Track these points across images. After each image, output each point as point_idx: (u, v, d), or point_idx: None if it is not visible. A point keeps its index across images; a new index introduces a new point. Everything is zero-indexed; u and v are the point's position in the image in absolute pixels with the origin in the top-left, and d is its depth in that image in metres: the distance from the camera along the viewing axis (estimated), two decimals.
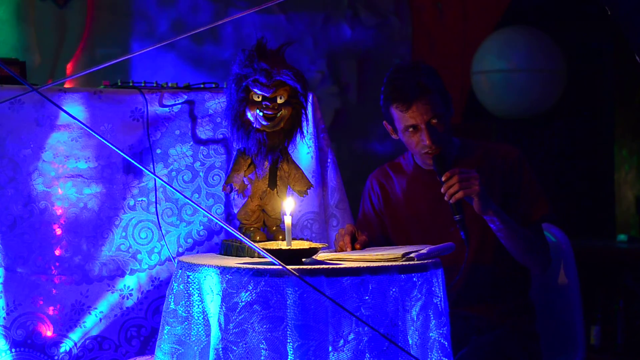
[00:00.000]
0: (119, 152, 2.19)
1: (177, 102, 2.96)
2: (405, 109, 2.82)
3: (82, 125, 2.38)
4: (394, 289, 2.31)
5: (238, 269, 2.28)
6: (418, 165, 2.99)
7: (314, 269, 2.27)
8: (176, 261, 2.50)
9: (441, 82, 2.88)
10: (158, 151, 2.95)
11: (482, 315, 2.89)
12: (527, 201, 2.90)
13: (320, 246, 2.40)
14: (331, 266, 2.30)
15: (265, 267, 2.27)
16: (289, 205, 2.45)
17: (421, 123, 2.82)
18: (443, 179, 2.75)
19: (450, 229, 2.84)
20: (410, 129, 2.85)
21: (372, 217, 3.04)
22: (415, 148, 2.88)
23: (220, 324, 2.28)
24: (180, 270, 2.43)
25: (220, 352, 2.26)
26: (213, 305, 2.31)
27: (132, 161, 2.34)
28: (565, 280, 3.13)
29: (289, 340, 2.22)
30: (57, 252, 2.84)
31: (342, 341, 2.26)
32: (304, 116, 2.60)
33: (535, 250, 2.88)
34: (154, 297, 2.93)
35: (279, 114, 2.53)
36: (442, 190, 2.74)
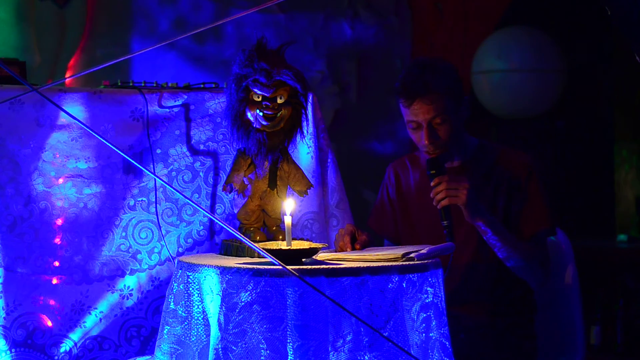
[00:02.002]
0: (119, 152, 2.19)
1: (177, 102, 2.96)
2: (407, 105, 2.84)
3: (82, 125, 2.38)
4: (393, 289, 2.31)
5: (238, 269, 2.28)
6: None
7: (314, 269, 2.27)
8: (176, 261, 2.50)
9: (456, 83, 2.86)
10: (158, 151, 2.95)
11: (477, 315, 2.89)
12: (529, 213, 2.88)
13: (320, 246, 2.41)
14: (331, 266, 2.30)
15: (265, 267, 2.27)
16: (289, 206, 2.45)
17: (422, 121, 2.82)
18: (432, 184, 2.75)
19: (456, 227, 2.84)
20: (413, 125, 2.85)
21: (387, 206, 3.05)
22: (417, 144, 2.89)
23: (220, 324, 2.28)
24: (180, 270, 2.43)
25: (220, 352, 2.26)
26: (213, 305, 2.31)
27: (132, 161, 2.34)
28: (565, 280, 3.13)
29: (289, 341, 2.22)
30: (57, 252, 2.84)
31: (341, 341, 2.26)
32: (304, 116, 2.60)
33: (530, 264, 2.83)
34: (154, 297, 2.93)
35: (279, 114, 2.54)
36: (431, 195, 2.75)
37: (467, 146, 2.94)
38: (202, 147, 2.99)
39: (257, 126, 2.54)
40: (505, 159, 2.94)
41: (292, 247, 2.37)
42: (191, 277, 2.38)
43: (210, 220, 2.96)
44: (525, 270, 2.84)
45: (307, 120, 2.75)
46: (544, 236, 2.92)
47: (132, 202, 2.92)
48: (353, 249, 2.65)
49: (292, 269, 2.17)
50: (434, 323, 2.40)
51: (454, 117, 2.85)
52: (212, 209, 2.99)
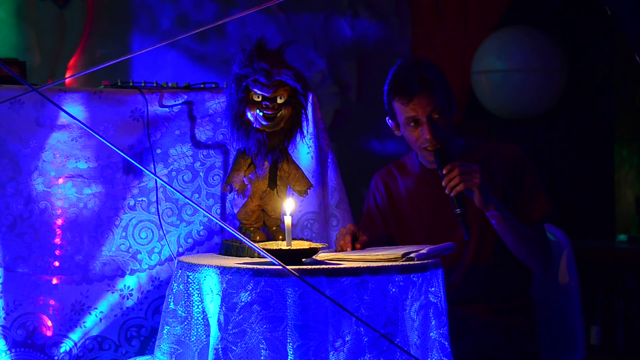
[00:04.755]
0: (119, 152, 2.20)
1: (177, 102, 2.96)
2: (407, 102, 2.85)
3: (82, 125, 2.38)
4: (393, 289, 2.31)
5: (238, 269, 2.28)
6: (422, 164, 3.00)
7: (314, 269, 2.27)
8: (176, 261, 2.50)
9: (444, 79, 2.91)
10: (158, 151, 2.95)
11: (478, 315, 2.90)
12: (528, 200, 2.91)
13: (320, 246, 2.41)
14: (331, 266, 2.30)
15: (265, 267, 2.27)
16: (289, 205, 2.45)
17: (422, 116, 2.84)
18: (444, 171, 2.77)
19: (453, 228, 2.85)
20: (412, 124, 2.86)
21: (375, 215, 3.05)
22: (416, 143, 2.90)
23: (219, 324, 2.28)
24: (180, 270, 2.43)
25: (220, 352, 2.26)
26: (213, 305, 2.31)
27: (132, 161, 2.34)
28: (565, 280, 3.13)
29: (288, 341, 2.22)
30: (57, 252, 2.84)
31: (341, 341, 2.26)
32: (304, 116, 2.60)
33: (536, 249, 2.88)
34: (154, 297, 2.93)
35: (279, 114, 2.54)
36: (443, 183, 2.76)
37: (454, 145, 2.97)
38: (202, 146, 2.99)
39: (257, 126, 2.54)
40: (496, 153, 2.97)
41: (292, 247, 2.37)
42: (191, 277, 2.38)
43: (210, 220, 2.96)
44: (532, 256, 2.87)
45: (307, 120, 2.75)
46: (546, 221, 2.95)
47: (132, 202, 2.92)
48: (354, 248, 2.66)
49: (292, 269, 2.17)
50: (433, 323, 2.40)
51: (448, 111, 2.88)
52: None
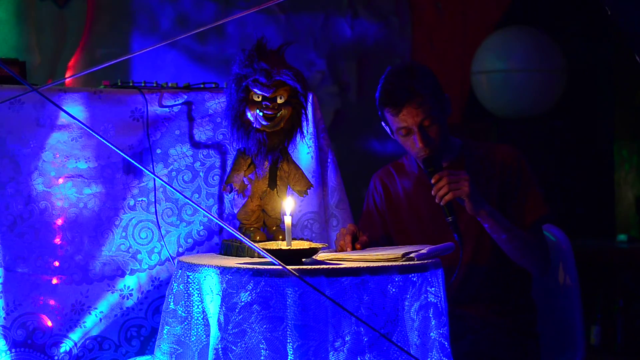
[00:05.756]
0: (119, 152, 2.20)
1: (177, 102, 2.96)
2: (396, 112, 2.83)
3: (82, 125, 2.38)
4: (393, 289, 2.31)
5: (238, 269, 2.28)
6: (419, 166, 3.00)
7: (314, 269, 2.27)
8: (176, 261, 2.50)
9: (436, 84, 2.87)
10: (158, 151, 2.95)
11: (478, 315, 2.90)
12: (525, 202, 2.90)
13: (320, 246, 2.41)
14: (331, 266, 2.30)
15: (265, 267, 2.27)
16: (289, 205, 2.45)
17: (413, 126, 2.83)
18: (432, 181, 2.76)
19: (450, 229, 2.84)
20: (403, 131, 2.86)
21: (374, 216, 3.05)
22: (410, 150, 2.90)
23: (219, 324, 2.28)
24: (180, 270, 2.43)
25: (220, 352, 2.26)
26: (213, 305, 2.31)
27: (132, 161, 2.34)
28: (565, 280, 3.13)
29: (288, 341, 2.22)
30: (57, 252, 2.84)
31: (341, 341, 2.26)
32: (304, 116, 2.60)
33: (532, 252, 2.87)
34: (154, 297, 2.93)
35: (279, 114, 2.54)
36: (432, 192, 2.75)
37: (452, 146, 2.96)
38: (202, 146, 2.99)
39: (257, 126, 2.54)
40: (493, 153, 2.96)
41: (292, 247, 2.37)
42: (191, 277, 2.38)
43: (210, 220, 2.96)
44: (529, 259, 2.86)
45: (307, 120, 2.75)
46: (542, 223, 2.94)
47: (132, 202, 2.92)
48: (354, 248, 2.65)
49: (292, 269, 2.17)
50: (433, 323, 2.40)
51: (441, 116, 2.86)
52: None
